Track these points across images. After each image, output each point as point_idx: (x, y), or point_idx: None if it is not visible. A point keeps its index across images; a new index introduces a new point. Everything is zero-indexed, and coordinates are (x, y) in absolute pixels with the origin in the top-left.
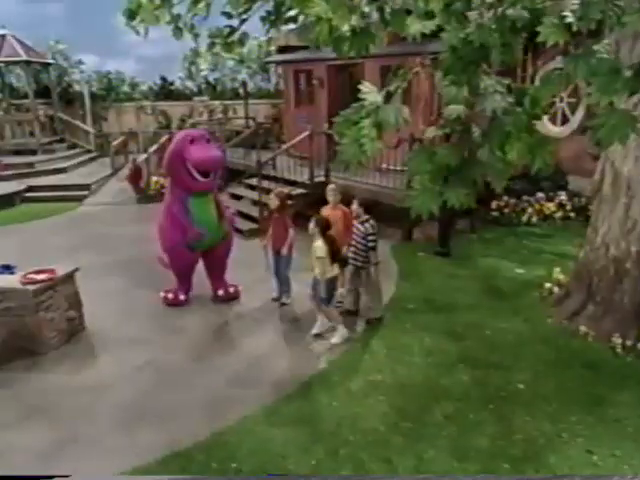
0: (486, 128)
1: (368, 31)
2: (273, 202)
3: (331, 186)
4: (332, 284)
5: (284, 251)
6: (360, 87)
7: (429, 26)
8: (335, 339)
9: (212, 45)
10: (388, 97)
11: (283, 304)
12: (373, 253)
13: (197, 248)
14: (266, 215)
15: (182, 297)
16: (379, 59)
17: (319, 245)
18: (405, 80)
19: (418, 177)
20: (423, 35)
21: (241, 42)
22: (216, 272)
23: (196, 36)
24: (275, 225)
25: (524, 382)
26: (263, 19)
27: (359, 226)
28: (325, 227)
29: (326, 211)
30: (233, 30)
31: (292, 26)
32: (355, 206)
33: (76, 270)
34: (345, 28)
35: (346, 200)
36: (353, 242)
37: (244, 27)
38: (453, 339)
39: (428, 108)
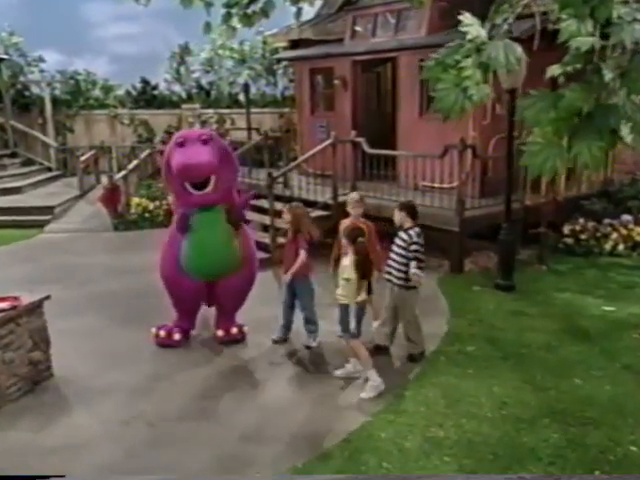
0: (625, 66)
1: None
2: (286, 217)
3: (353, 195)
4: (361, 311)
5: (287, 276)
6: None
7: None
8: (366, 393)
9: (228, 16)
10: (492, 32)
11: (308, 347)
12: (414, 263)
13: (198, 277)
14: (281, 241)
15: (177, 336)
16: (417, 51)
17: (347, 263)
18: (514, 12)
19: (537, 129)
20: None
21: (264, 12)
22: (225, 308)
23: (209, 5)
24: (288, 248)
25: (638, 444)
26: None
27: (402, 234)
28: (357, 236)
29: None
30: None
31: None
32: (398, 214)
33: (46, 299)
34: None
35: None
36: (392, 256)
37: None
38: (532, 388)
39: (480, 110)
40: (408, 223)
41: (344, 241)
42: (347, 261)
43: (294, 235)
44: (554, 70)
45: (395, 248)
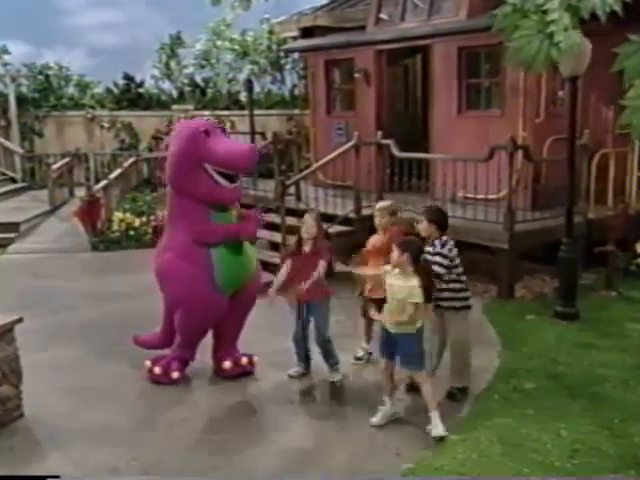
0: None
1: None
2: (309, 229)
3: (380, 204)
4: (422, 336)
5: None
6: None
7: None
8: (438, 430)
9: None
10: None
11: (332, 382)
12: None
13: (231, 289)
14: (290, 250)
15: (175, 375)
16: (455, 38)
17: (415, 285)
18: None
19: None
20: None
21: None
22: (230, 330)
23: None
24: (304, 264)
25: None
26: None
27: (442, 250)
28: (420, 251)
29: (376, 240)
30: None
31: None
32: (425, 225)
33: (18, 321)
34: None
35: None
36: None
37: None
38: (609, 434)
39: (533, 106)
40: (435, 234)
41: (403, 258)
42: (413, 281)
43: (315, 246)
44: None
45: (436, 268)
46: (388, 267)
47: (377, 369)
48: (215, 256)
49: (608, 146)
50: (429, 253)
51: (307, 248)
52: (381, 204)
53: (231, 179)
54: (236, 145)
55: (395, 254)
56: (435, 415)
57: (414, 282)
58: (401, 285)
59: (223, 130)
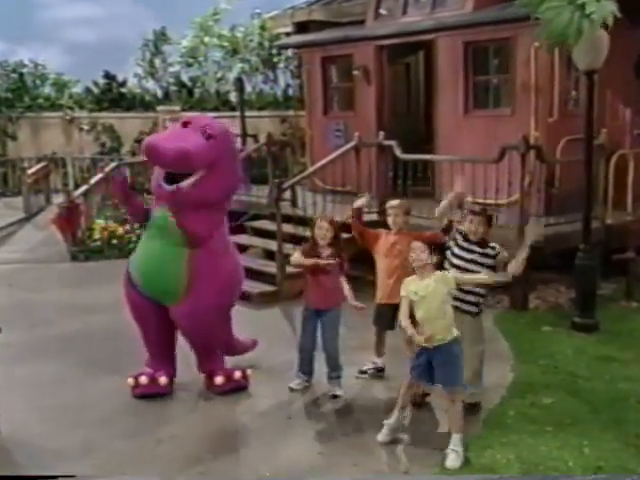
0: None
1: None
2: (323, 232)
3: (393, 202)
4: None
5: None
6: None
7: None
8: (453, 462)
9: None
10: None
11: (334, 396)
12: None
13: (144, 290)
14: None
15: (163, 380)
16: (461, 32)
17: (440, 273)
18: None
19: None
20: None
21: None
22: (193, 346)
23: None
24: (322, 270)
25: None
26: None
27: (480, 249)
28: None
29: (390, 238)
30: None
31: None
32: (479, 224)
33: None
34: None
35: None
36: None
37: None
38: (636, 451)
39: (546, 103)
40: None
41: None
42: (434, 274)
43: (335, 252)
44: None
45: (463, 263)
46: (410, 279)
47: (382, 384)
48: (136, 251)
49: (626, 147)
50: (486, 255)
51: (324, 254)
52: (394, 202)
53: (172, 179)
54: (154, 137)
55: (423, 255)
56: (457, 438)
57: (437, 273)
58: (433, 284)
59: (209, 135)
